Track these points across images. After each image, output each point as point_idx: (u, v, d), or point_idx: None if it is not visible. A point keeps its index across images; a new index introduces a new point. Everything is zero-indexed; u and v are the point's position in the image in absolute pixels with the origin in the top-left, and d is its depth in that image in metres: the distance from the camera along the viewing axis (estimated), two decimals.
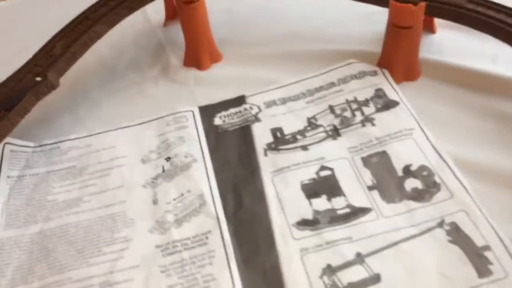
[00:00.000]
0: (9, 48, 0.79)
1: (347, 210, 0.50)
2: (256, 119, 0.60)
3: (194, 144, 0.58)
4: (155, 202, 0.53)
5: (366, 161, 0.53)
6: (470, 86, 0.61)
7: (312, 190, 0.52)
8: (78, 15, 0.65)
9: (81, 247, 0.50)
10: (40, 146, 0.62)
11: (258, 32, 0.75)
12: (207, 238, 0.49)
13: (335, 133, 0.57)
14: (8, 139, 0.59)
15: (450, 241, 0.46)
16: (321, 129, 0.58)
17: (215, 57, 0.71)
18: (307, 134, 0.57)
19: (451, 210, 0.48)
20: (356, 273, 0.45)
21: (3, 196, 0.56)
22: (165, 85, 0.69)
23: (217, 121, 0.61)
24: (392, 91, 0.60)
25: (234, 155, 0.57)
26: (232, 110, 0.62)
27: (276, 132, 0.58)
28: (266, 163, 0.55)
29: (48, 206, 0.55)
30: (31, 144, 0.62)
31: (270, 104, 0.62)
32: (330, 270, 0.45)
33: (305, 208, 0.50)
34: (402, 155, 0.53)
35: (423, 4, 0.57)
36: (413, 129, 0.55)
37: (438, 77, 0.63)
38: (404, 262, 0.45)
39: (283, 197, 0.52)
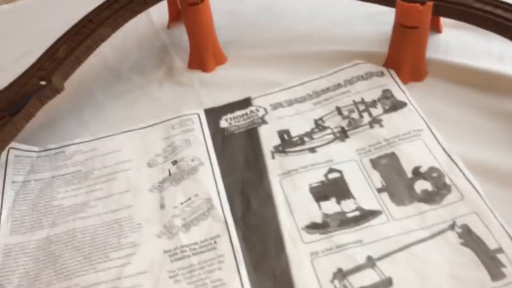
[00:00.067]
0: (12, 52, 0.78)
1: (357, 213, 0.49)
2: (263, 121, 0.60)
3: (200, 147, 0.58)
4: (162, 206, 0.53)
5: (375, 163, 0.53)
6: (477, 85, 0.60)
7: (321, 193, 0.51)
8: (82, 18, 0.64)
9: (88, 253, 0.50)
10: (45, 150, 0.61)
11: (262, 34, 0.75)
12: (215, 242, 0.49)
13: (343, 135, 0.56)
14: (12, 144, 0.58)
15: (462, 244, 0.45)
16: (328, 131, 0.57)
17: (220, 59, 0.70)
18: (315, 136, 0.57)
19: (462, 212, 0.47)
20: (367, 277, 0.44)
21: (8, 202, 0.55)
22: (170, 88, 0.68)
23: (223, 123, 0.60)
24: (400, 91, 0.60)
25: (241, 158, 0.56)
26: (238, 113, 0.61)
27: (283, 135, 0.58)
28: (274, 166, 0.55)
29: (54, 212, 0.54)
30: (36, 148, 0.61)
31: (276, 106, 0.61)
32: (341, 274, 0.45)
33: (314, 211, 0.50)
34: (411, 156, 0.53)
35: (430, 3, 0.57)
36: (422, 130, 0.55)
37: (445, 77, 0.62)
38: (416, 265, 0.45)
39: (292, 200, 0.51)
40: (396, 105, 0.58)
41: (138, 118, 0.64)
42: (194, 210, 0.51)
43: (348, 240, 0.47)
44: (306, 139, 0.57)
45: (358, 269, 0.45)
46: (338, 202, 0.50)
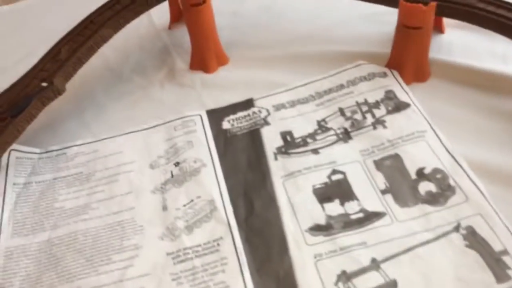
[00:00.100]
0: (13, 53, 0.78)
1: (361, 214, 0.49)
2: (265, 122, 0.59)
3: (203, 149, 0.57)
4: (164, 208, 0.52)
5: (378, 164, 0.53)
6: (481, 86, 0.60)
7: (324, 194, 0.51)
8: (84, 19, 0.64)
9: (90, 255, 0.50)
10: (46, 152, 0.61)
11: (264, 34, 0.74)
12: (218, 245, 0.48)
13: (346, 136, 0.56)
14: (13, 145, 0.58)
15: (467, 246, 0.45)
16: (331, 132, 0.57)
17: (222, 60, 0.70)
18: (318, 137, 0.56)
19: (467, 213, 0.47)
20: (372, 280, 0.44)
21: (10, 204, 0.55)
22: (172, 89, 0.68)
23: (226, 125, 0.60)
24: (403, 92, 0.59)
25: (244, 160, 0.56)
26: (241, 114, 0.61)
27: (286, 136, 0.57)
28: (277, 167, 0.54)
29: (56, 214, 0.54)
30: (37, 150, 0.61)
31: (279, 107, 0.61)
32: (345, 276, 0.44)
33: (317, 213, 0.49)
34: (415, 157, 0.52)
35: (433, 4, 0.57)
36: (425, 131, 0.55)
37: (448, 78, 0.62)
38: (421, 267, 0.44)
39: (295, 201, 0.51)
40: (399, 106, 0.58)
41: (139, 120, 0.63)
42: (197, 212, 0.51)
43: (352, 242, 0.47)
44: (309, 140, 0.56)
45: (362, 271, 0.45)
46: (342, 203, 0.50)
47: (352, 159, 0.54)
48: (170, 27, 0.79)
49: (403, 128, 0.55)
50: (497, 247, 0.44)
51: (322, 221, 0.49)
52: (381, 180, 0.51)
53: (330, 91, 0.62)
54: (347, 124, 0.57)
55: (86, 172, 0.58)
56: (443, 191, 0.49)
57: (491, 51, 0.64)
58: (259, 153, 0.56)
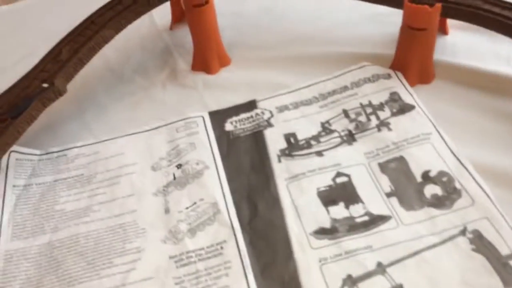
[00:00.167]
0: (13, 54, 0.77)
1: (366, 218, 0.48)
2: (269, 124, 0.59)
3: (205, 151, 0.57)
4: (167, 211, 0.52)
5: (383, 167, 0.52)
6: (485, 88, 0.60)
7: (329, 197, 0.50)
8: (84, 20, 0.64)
9: (91, 259, 0.49)
10: (47, 154, 0.60)
11: (266, 35, 0.74)
12: (222, 248, 0.48)
13: (350, 138, 0.55)
14: (13, 147, 0.57)
15: (473, 250, 0.44)
16: (335, 134, 0.56)
17: (224, 61, 0.69)
18: (322, 139, 0.56)
19: (473, 217, 0.47)
20: (378, 284, 0.43)
21: (10, 206, 0.54)
22: (173, 90, 0.68)
23: (228, 126, 0.59)
24: (407, 94, 0.59)
25: (247, 162, 0.55)
26: (243, 115, 0.60)
27: (290, 138, 0.57)
28: (281, 169, 0.54)
29: (56, 216, 0.53)
30: (37, 152, 0.60)
31: (282, 108, 0.60)
32: (351, 280, 0.44)
33: (322, 216, 0.49)
34: (420, 160, 0.52)
35: (439, 5, 0.56)
36: (431, 134, 0.54)
37: (453, 80, 0.61)
38: (427, 271, 0.44)
39: (299, 204, 0.50)
40: (404, 108, 0.57)
41: (141, 121, 0.63)
42: (200, 215, 0.51)
43: (357, 245, 0.46)
44: (313, 142, 0.56)
45: (368, 275, 0.44)
46: (347, 206, 0.49)
47: (356, 162, 0.53)
48: (171, 28, 0.78)
49: (408, 130, 0.55)
50: (504, 251, 0.44)
51: (327, 224, 0.48)
52: (386, 183, 0.51)
53: (333, 92, 0.61)
54: (351, 126, 0.57)
55: (87, 174, 0.57)
56: (449, 194, 0.49)
57: (496, 53, 0.64)
58: (263, 155, 0.56)
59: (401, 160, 0.52)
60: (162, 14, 0.77)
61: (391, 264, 0.44)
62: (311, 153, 0.55)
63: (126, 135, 0.61)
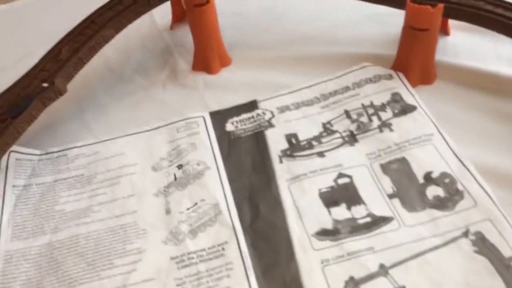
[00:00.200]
0: (12, 53, 0.77)
1: (368, 219, 0.48)
2: (270, 124, 0.59)
3: (206, 151, 0.57)
4: (168, 211, 0.52)
5: (385, 168, 0.52)
6: (486, 89, 0.60)
7: (330, 198, 0.50)
8: (84, 19, 0.63)
9: (92, 260, 0.49)
10: (46, 154, 0.60)
11: (267, 35, 0.74)
12: (223, 249, 0.47)
13: (352, 139, 0.55)
14: (13, 147, 0.57)
15: (476, 252, 0.44)
16: (337, 134, 0.56)
17: (225, 61, 0.69)
18: (323, 140, 0.56)
19: (476, 219, 0.46)
20: (380, 286, 0.43)
21: (9, 207, 0.54)
22: (174, 90, 0.67)
23: (229, 127, 0.59)
24: (409, 95, 0.59)
25: (248, 162, 0.55)
26: (244, 116, 0.60)
27: (291, 138, 0.56)
28: (282, 170, 0.53)
29: (56, 217, 0.53)
30: (37, 152, 0.60)
31: (283, 109, 0.60)
32: (353, 282, 0.44)
33: (324, 217, 0.49)
34: (422, 161, 0.52)
35: (441, 5, 0.56)
36: (432, 135, 0.54)
37: (454, 80, 0.61)
38: (429, 273, 0.44)
39: (301, 205, 0.50)
40: (406, 109, 0.57)
41: (141, 121, 0.62)
42: (201, 216, 0.50)
43: (359, 247, 0.46)
44: (314, 143, 0.56)
45: (370, 277, 0.44)
46: (349, 208, 0.49)
47: (358, 163, 0.53)
48: (171, 28, 0.78)
49: (409, 131, 0.54)
50: (506, 253, 0.44)
51: (329, 225, 0.48)
52: (388, 184, 0.50)
53: (335, 93, 0.61)
54: (353, 127, 0.56)
55: (87, 174, 0.57)
56: (451, 196, 0.48)
57: (497, 54, 0.64)
58: (264, 155, 0.55)
59: (403, 161, 0.52)
60: (162, 13, 0.77)
61: (394, 265, 0.44)
62: (312, 153, 0.54)
63: (126, 135, 0.61)
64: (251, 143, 0.57)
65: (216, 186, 0.53)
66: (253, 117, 0.60)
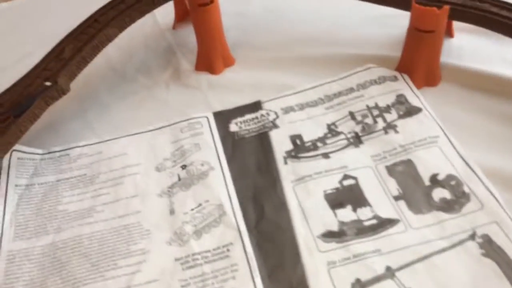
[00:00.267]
0: (13, 52, 0.76)
1: (374, 221, 0.48)
2: (274, 125, 0.58)
3: (210, 152, 0.56)
4: (172, 212, 0.51)
5: (390, 169, 0.52)
6: (491, 91, 0.60)
7: (336, 200, 0.50)
8: (87, 18, 0.63)
9: (95, 260, 0.48)
10: (49, 153, 0.59)
11: (270, 36, 0.73)
12: (228, 250, 0.47)
13: (357, 140, 0.55)
14: (15, 146, 0.56)
15: (483, 254, 0.44)
16: (342, 136, 0.56)
17: (228, 61, 0.69)
18: (328, 141, 0.55)
19: (483, 221, 0.46)
20: None
21: (12, 206, 0.54)
22: (177, 90, 0.67)
23: (233, 127, 0.59)
24: (414, 97, 0.58)
25: (253, 163, 0.55)
26: (248, 116, 0.60)
27: (296, 139, 0.56)
28: (287, 171, 0.53)
29: (59, 216, 0.53)
30: (39, 151, 0.59)
31: (287, 110, 0.60)
32: (359, 284, 0.43)
33: (330, 219, 0.48)
34: (428, 163, 0.51)
35: (447, 7, 0.56)
36: (438, 137, 0.54)
37: (459, 82, 0.61)
38: (436, 276, 0.43)
39: (306, 207, 0.50)
40: (411, 111, 0.57)
41: (144, 121, 0.62)
42: (205, 217, 0.50)
43: (366, 249, 0.46)
44: (319, 144, 0.55)
45: (377, 279, 0.44)
46: (354, 209, 0.49)
47: (363, 164, 0.53)
48: (174, 27, 0.77)
49: (415, 133, 0.54)
50: None
51: (334, 227, 0.48)
52: (393, 186, 0.50)
53: (339, 94, 0.61)
54: (358, 128, 0.56)
55: (90, 174, 0.57)
56: (458, 198, 0.48)
57: (502, 56, 0.63)
58: (268, 156, 0.55)
59: (409, 163, 0.52)
60: (164, 13, 0.76)
61: (400, 268, 0.44)
62: (317, 155, 0.54)
63: (129, 135, 0.60)
64: (255, 144, 0.57)
65: (220, 187, 0.52)
66: (257, 117, 0.59)
